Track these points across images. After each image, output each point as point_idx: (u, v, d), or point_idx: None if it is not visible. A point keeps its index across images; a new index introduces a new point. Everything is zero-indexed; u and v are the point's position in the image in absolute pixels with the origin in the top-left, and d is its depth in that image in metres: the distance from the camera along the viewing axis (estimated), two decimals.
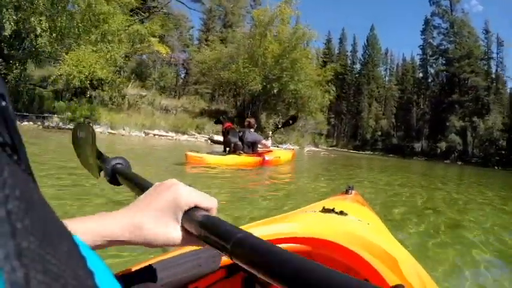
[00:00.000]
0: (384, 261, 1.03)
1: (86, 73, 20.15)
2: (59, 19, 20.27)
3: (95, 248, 0.56)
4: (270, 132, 11.51)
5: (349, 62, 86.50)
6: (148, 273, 0.85)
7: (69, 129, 19.97)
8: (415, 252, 1.48)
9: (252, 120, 10.42)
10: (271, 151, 10.67)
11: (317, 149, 38.64)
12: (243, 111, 32.79)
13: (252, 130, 10.06)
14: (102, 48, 21.71)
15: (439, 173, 19.51)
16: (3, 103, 0.26)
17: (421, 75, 79.87)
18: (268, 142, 10.48)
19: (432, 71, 76.37)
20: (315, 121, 44.73)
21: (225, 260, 1.01)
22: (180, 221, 0.61)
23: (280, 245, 0.88)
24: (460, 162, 54.43)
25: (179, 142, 21.72)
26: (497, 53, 69.83)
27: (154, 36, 27.94)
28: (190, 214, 0.60)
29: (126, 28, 23.09)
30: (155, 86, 37.10)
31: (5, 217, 0.19)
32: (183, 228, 0.61)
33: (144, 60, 40.35)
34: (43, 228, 0.22)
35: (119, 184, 0.94)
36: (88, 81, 20.92)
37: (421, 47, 77.21)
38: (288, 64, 30.87)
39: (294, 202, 5.21)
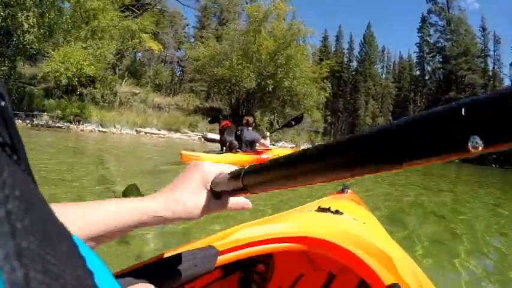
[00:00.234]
0: (380, 260, 1.01)
1: (73, 70, 19.65)
2: (47, 15, 19.82)
3: (139, 225, 0.64)
4: (268, 133, 11.10)
5: (345, 59, 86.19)
6: (144, 273, 0.84)
7: (58, 127, 19.60)
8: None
9: (251, 119, 10.17)
10: (270, 149, 10.34)
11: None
12: (238, 108, 32.40)
13: (250, 128, 9.83)
14: (91, 45, 21.25)
15: (437, 172, 19.21)
16: (3, 103, 0.26)
17: (417, 72, 79.82)
18: (267, 141, 10.26)
19: (429, 68, 76.27)
20: (312, 119, 44.44)
21: (221, 260, 1.01)
22: (209, 189, 0.71)
23: (275, 245, 1.07)
24: (457, 160, 54.16)
25: (171, 140, 21.33)
26: (494, 51, 69.82)
27: (146, 32, 27.48)
28: (215, 180, 0.71)
29: (117, 24, 22.59)
30: (150, 84, 36.68)
31: (5, 217, 0.19)
32: (214, 194, 0.72)
33: (139, 58, 40.02)
34: (43, 228, 0.22)
35: None
36: (76, 79, 20.41)
37: (418, 44, 77.12)
38: (283, 60, 30.44)
39: (282, 203, 5.15)
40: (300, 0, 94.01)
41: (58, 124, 20.02)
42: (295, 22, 32.24)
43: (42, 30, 19.99)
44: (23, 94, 21.39)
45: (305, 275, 1.56)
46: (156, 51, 31.48)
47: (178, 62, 46.40)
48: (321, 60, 52.77)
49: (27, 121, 19.34)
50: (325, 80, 36.90)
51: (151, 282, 0.81)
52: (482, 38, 69.72)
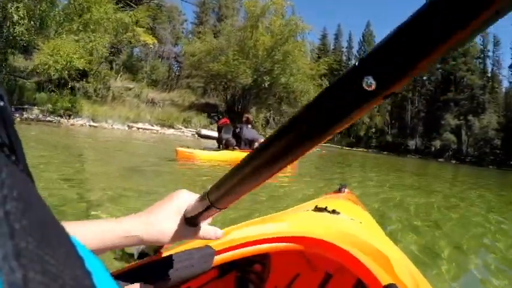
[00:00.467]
0: (377, 260, 1.02)
1: (63, 63, 19.18)
2: (39, 6, 19.37)
3: (119, 246, 0.67)
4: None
5: (344, 58, 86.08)
6: (141, 274, 0.85)
7: (48, 121, 19.18)
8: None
9: (250, 116, 9.98)
10: None
11: None
12: (233, 105, 31.98)
13: (249, 126, 9.59)
14: (83, 38, 20.79)
15: (434, 173, 18.94)
16: (2, 103, 0.26)
17: None
18: None
19: None
20: None
21: (218, 259, 1.02)
22: (184, 217, 0.73)
23: (272, 244, 1.09)
24: (454, 161, 54.17)
25: (164, 136, 20.91)
26: (493, 52, 69.72)
27: (141, 26, 27.02)
28: (188, 207, 0.72)
29: (110, 17, 22.13)
30: (146, 79, 36.31)
31: (3, 218, 0.19)
32: (189, 222, 0.73)
33: (137, 54, 39.73)
34: (41, 229, 0.22)
35: None
36: (66, 72, 19.95)
37: None
38: (280, 57, 29.96)
39: (274, 205, 4.87)
40: None
41: (48, 118, 19.57)
42: (293, 18, 31.70)
43: (32, 22, 19.52)
44: (14, 87, 20.89)
45: (301, 275, 1.55)
46: (151, 46, 30.89)
47: (175, 57, 45.99)
48: (319, 58, 52.50)
49: (17, 115, 18.86)
50: (322, 78, 36.37)
51: (148, 282, 0.82)
52: (481, 39, 69.61)
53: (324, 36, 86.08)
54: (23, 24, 18.93)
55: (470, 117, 61.03)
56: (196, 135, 23.00)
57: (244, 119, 9.84)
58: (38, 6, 19.36)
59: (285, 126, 0.43)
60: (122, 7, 25.04)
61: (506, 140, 55.54)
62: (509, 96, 66.70)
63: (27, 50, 22.40)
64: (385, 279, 0.93)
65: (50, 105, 20.05)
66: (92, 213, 3.52)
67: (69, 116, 20.47)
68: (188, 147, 8.73)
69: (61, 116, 20.16)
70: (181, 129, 24.71)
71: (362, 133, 76.42)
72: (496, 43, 69.53)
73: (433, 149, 62.27)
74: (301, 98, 33.07)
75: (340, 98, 0.36)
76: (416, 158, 51.42)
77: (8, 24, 19.14)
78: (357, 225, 1.45)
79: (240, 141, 9.22)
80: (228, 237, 1.08)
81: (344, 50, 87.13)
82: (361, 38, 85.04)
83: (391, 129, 76.95)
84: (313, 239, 1.11)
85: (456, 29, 0.25)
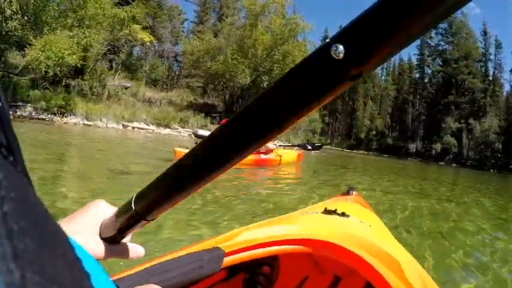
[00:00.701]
0: (387, 264, 1.02)
1: (54, 58, 18.65)
2: (32, 1, 18.93)
3: None
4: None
5: None
6: (150, 275, 0.86)
7: (41, 119, 18.74)
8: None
9: None
10: (271, 150, 9.71)
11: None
12: (232, 105, 31.54)
13: None
14: (78, 34, 20.30)
15: (435, 177, 18.52)
16: None
17: (417, 75, 79.27)
18: (270, 144, 9.56)
19: (429, 71, 75.76)
20: (309, 118, 43.76)
21: (227, 261, 1.02)
22: (99, 234, 0.64)
23: (281, 247, 1.08)
24: (454, 165, 53.79)
25: (160, 136, 20.46)
26: (495, 55, 69.35)
27: (138, 23, 26.54)
28: (103, 223, 0.64)
29: (105, 13, 21.64)
30: (146, 78, 35.96)
31: (1, 219, 0.19)
32: (106, 240, 0.64)
33: (137, 53, 39.59)
34: (39, 230, 0.22)
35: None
36: (58, 68, 19.44)
37: (419, 46, 76.47)
38: (280, 56, 29.50)
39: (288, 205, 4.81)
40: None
41: (42, 116, 19.15)
42: (293, 16, 31.15)
43: (26, 17, 19.10)
44: (8, 84, 20.45)
45: (310, 278, 1.53)
46: (148, 44, 30.45)
47: (175, 57, 45.65)
48: None
49: (10, 112, 18.35)
50: None
51: (157, 284, 0.77)
52: (483, 42, 69.28)
53: (325, 38, 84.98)
54: (16, 19, 18.49)
55: (471, 121, 60.64)
56: (192, 136, 22.71)
57: None
58: (32, 1, 18.92)
59: (247, 107, 0.41)
60: (119, 3, 24.51)
61: (507, 143, 55.10)
62: (511, 99, 66.43)
63: (22, 47, 21.92)
64: (395, 283, 0.93)
65: (43, 103, 19.60)
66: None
67: (63, 114, 20.01)
68: (187, 148, 8.29)
69: (54, 114, 19.71)
70: (177, 129, 24.24)
71: (363, 135, 76.14)
72: (498, 46, 69.15)
73: (433, 152, 61.91)
74: None
75: (307, 71, 0.35)
76: (417, 161, 51.09)
77: (0, 19, 18.70)
78: (367, 228, 1.44)
79: None
80: (237, 238, 1.08)
81: None
82: None
83: (391, 132, 76.63)
84: (323, 242, 1.09)
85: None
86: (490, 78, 68.07)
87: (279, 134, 0.40)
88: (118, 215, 0.61)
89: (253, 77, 29.16)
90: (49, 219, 0.26)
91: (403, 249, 1.31)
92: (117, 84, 25.88)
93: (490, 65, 68.94)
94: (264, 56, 29.68)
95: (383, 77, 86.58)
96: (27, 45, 19.43)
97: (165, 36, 44.47)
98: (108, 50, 30.48)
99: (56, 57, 18.47)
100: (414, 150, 66.95)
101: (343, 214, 1.49)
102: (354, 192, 2.37)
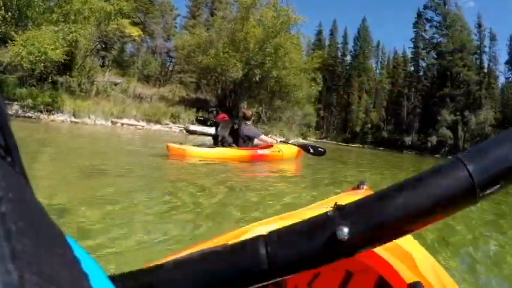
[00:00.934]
0: (400, 258, 1.02)
1: (37, 54, 18.14)
2: None
3: None
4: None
5: (339, 53, 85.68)
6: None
7: (28, 117, 18.32)
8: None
9: (248, 112, 9.24)
10: (271, 146, 9.25)
11: (304, 142, 36.90)
12: (224, 99, 31.12)
13: (249, 123, 8.87)
14: (63, 29, 19.82)
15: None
16: None
17: (412, 68, 79.15)
18: (268, 138, 9.34)
19: (424, 64, 75.60)
20: (303, 112, 43.45)
21: None
22: None
23: None
24: (450, 157, 53.48)
25: (150, 132, 20.07)
26: (490, 48, 69.29)
27: (126, 17, 26.02)
28: None
29: (91, 6, 21.14)
30: (138, 74, 35.54)
31: None
32: None
33: (129, 49, 39.48)
34: (37, 230, 0.22)
35: None
36: (42, 64, 18.95)
37: (413, 39, 76.29)
38: (271, 49, 29.03)
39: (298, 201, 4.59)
40: None
41: (28, 114, 18.71)
42: (284, 9, 30.58)
43: (10, 13, 18.63)
44: None
45: (322, 274, 1.51)
46: (137, 38, 29.97)
47: (167, 52, 45.20)
48: (314, 52, 51.86)
49: None
50: (315, 71, 35.45)
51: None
52: (478, 34, 69.16)
53: (319, 32, 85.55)
54: None
55: (466, 113, 60.51)
56: (184, 131, 22.34)
57: (241, 114, 9.37)
58: None
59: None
60: None
61: None
62: (506, 92, 66.42)
63: (7, 43, 21.43)
64: (409, 277, 0.92)
65: (30, 101, 19.17)
66: None
67: (50, 111, 19.58)
68: (181, 144, 7.98)
69: (41, 112, 19.28)
70: (168, 124, 23.83)
71: (358, 129, 76.11)
72: (493, 38, 69.05)
73: (429, 144, 61.75)
74: (293, 93, 32.24)
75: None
76: (413, 154, 50.85)
77: None
78: None
79: (237, 138, 8.51)
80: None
81: (339, 45, 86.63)
82: (357, 33, 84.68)
83: (386, 125, 76.55)
84: None
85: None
86: (485, 70, 68.00)
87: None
88: None
89: (245, 70, 28.69)
90: (47, 220, 0.26)
91: (416, 243, 1.27)
92: (106, 80, 25.39)
93: (485, 57, 68.98)
94: (256, 49, 29.21)
95: (378, 71, 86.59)
96: (10, 41, 18.96)
97: (157, 32, 44.05)
98: (101, 47, 30.11)
99: (38, 52, 17.97)
100: (410, 142, 66.80)
101: None
102: (365, 187, 2.29)
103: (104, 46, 32.13)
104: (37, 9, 19.62)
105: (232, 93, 31.18)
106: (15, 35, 18.44)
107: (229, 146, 8.37)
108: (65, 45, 19.44)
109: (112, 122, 21.14)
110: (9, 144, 0.26)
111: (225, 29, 31.17)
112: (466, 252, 3.43)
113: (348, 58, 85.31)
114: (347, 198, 1.77)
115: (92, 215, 3.05)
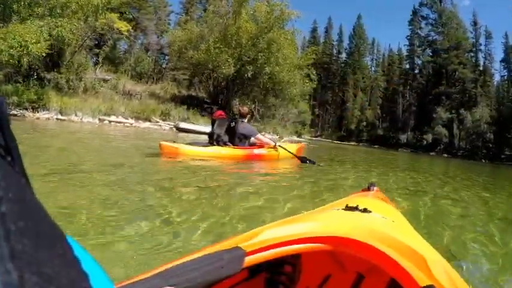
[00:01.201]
0: (412, 260, 1.01)
1: (17, 48, 17.49)
2: None
3: None
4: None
5: (334, 51, 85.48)
6: (169, 276, 0.85)
7: (13, 115, 17.71)
8: None
9: (244, 109, 8.88)
10: (270, 146, 8.82)
11: (298, 139, 36.25)
12: (217, 97, 30.57)
13: (245, 120, 8.52)
14: (48, 23, 19.20)
15: (429, 168, 17.88)
16: None
17: (407, 66, 79.20)
18: (265, 138, 8.94)
19: (419, 62, 75.66)
20: (298, 109, 43.04)
21: (248, 261, 1.02)
22: None
23: (303, 245, 1.09)
24: (445, 155, 53.53)
25: (138, 130, 19.47)
26: (485, 45, 69.33)
27: (114, 12, 25.38)
28: None
29: (78, 1, 20.50)
30: (131, 71, 35.05)
31: None
32: None
33: (122, 46, 39.63)
34: (37, 230, 0.22)
35: None
36: (25, 59, 18.31)
37: (408, 37, 76.23)
38: (264, 45, 28.43)
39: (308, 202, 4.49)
40: None
41: (13, 112, 18.08)
42: (277, 3, 29.91)
43: None
44: None
45: (333, 276, 1.54)
46: (126, 33, 29.36)
47: (160, 49, 44.76)
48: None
49: None
50: (309, 67, 34.88)
51: (177, 285, 0.81)
52: (473, 32, 69.23)
53: (314, 30, 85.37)
54: None
55: (462, 111, 60.48)
56: (174, 129, 21.86)
57: (237, 111, 9.09)
58: None
59: None
60: None
61: (499, 133, 54.92)
62: (501, 89, 66.47)
63: None
64: (422, 280, 0.92)
65: (15, 98, 18.59)
66: None
67: (35, 109, 18.99)
68: (174, 142, 7.65)
69: (26, 109, 18.70)
70: (158, 122, 23.23)
71: (353, 127, 75.99)
72: (488, 36, 69.05)
73: (424, 142, 61.68)
74: (287, 90, 31.69)
75: None
76: (408, 152, 50.63)
77: None
78: (390, 224, 1.41)
79: (233, 137, 8.13)
80: (258, 237, 1.07)
81: (334, 43, 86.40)
82: (352, 31, 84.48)
83: (382, 123, 76.49)
84: (346, 239, 1.10)
85: None
86: (481, 68, 68.23)
87: None
88: None
89: (238, 66, 28.10)
90: (47, 220, 0.25)
91: (429, 246, 1.25)
92: (95, 77, 24.79)
93: (481, 55, 69.23)
94: (249, 44, 28.61)
95: (373, 68, 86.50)
96: None
97: (150, 28, 43.61)
98: (94, 44, 29.59)
99: (18, 46, 17.34)
100: (405, 140, 66.80)
101: (365, 210, 1.43)
102: (375, 188, 2.32)
103: (97, 43, 31.73)
104: (23, 3, 19.01)
105: (224, 90, 30.63)
106: None
107: (225, 144, 8.00)
108: (50, 39, 18.82)
109: (100, 119, 20.52)
110: (9, 144, 0.26)
111: (217, 24, 30.54)
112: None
113: (343, 56, 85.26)
114: (357, 199, 1.78)
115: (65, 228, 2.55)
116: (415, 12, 74.94)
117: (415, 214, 4.48)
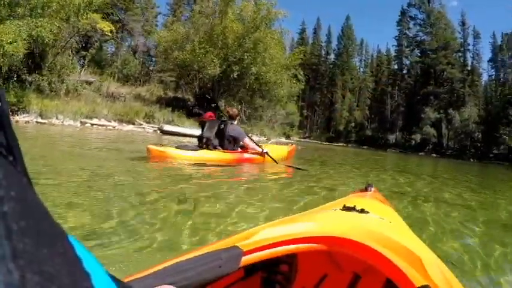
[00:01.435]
0: (408, 261, 1.03)
1: None
2: None
3: None
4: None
5: (323, 52, 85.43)
6: (166, 275, 0.86)
7: None
8: None
9: (234, 110, 8.57)
10: (257, 152, 8.43)
11: (287, 141, 35.90)
12: (203, 98, 30.16)
13: (234, 122, 8.18)
14: (28, 23, 18.71)
15: (418, 169, 17.68)
16: None
17: (396, 66, 79.44)
18: (252, 143, 8.45)
19: (407, 62, 75.93)
20: (286, 111, 42.78)
21: (245, 260, 1.02)
22: None
23: (300, 245, 1.10)
24: (434, 155, 53.64)
25: (121, 133, 19.00)
26: (473, 45, 69.77)
27: (97, 12, 24.84)
28: None
29: (59, 0, 20.02)
30: (118, 73, 34.56)
31: (1, 218, 0.19)
32: None
33: (109, 48, 39.39)
34: (38, 230, 0.22)
35: None
36: (2, 60, 17.80)
37: (397, 38, 76.47)
38: (250, 44, 28.08)
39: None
40: None
41: None
42: (264, 2, 29.67)
43: None
44: None
45: (329, 276, 1.55)
46: (109, 34, 28.78)
47: (147, 51, 44.33)
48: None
49: None
50: (297, 67, 34.57)
51: (174, 284, 0.81)
52: (461, 32, 69.64)
53: (302, 31, 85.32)
54: None
55: (450, 111, 60.72)
56: (158, 132, 21.45)
57: (226, 113, 8.91)
58: None
59: None
60: None
61: (487, 133, 55.16)
62: (489, 89, 66.93)
63: None
64: (418, 280, 0.94)
65: None
66: None
67: (14, 112, 18.45)
68: (162, 145, 7.51)
69: None
70: (142, 125, 22.75)
71: (341, 128, 76.01)
72: (476, 36, 69.52)
73: (413, 142, 61.85)
74: (274, 90, 31.35)
75: None
76: (397, 152, 50.66)
77: None
78: (387, 224, 1.42)
79: (223, 140, 7.82)
80: (255, 237, 1.08)
81: (323, 44, 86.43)
82: (341, 32, 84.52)
83: (370, 124, 76.63)
84: (343, 239, 1.11)
85: None
86: (469, 68, 68.66)
87: None
88: None
89: (224, 67, 27.71)
90: (49, 219, 0.25)
91: (425, 247, 1.24)
92: (78, 79, 24.24)
93: (469, 55, 69.77)
94: (235, 45, 28.23)
95: (361, 69, 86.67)
96: None
97: (137, 30, 43.13)
98: (81, 46, 29.02)
99: None
100: (394, 141, 67.01)
101: (362, 211, 1.44)
102: (373, 189, 2.28)
103: (84, 46, 31.21)
104: (2, 2, 18.52)
105: (210, 91, 30.21)
106: None
107: (214, 148, 7.72)
108: (28, 39, 18.33)
109: (81, 122, 20.01)
110: (11, 143, 0.26)
111: (203, 24, 30.12)
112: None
113: (332, 57, 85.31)
114: (355, 200, 1.77)
115: None
116: (403, 13, 75.19)
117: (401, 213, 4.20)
